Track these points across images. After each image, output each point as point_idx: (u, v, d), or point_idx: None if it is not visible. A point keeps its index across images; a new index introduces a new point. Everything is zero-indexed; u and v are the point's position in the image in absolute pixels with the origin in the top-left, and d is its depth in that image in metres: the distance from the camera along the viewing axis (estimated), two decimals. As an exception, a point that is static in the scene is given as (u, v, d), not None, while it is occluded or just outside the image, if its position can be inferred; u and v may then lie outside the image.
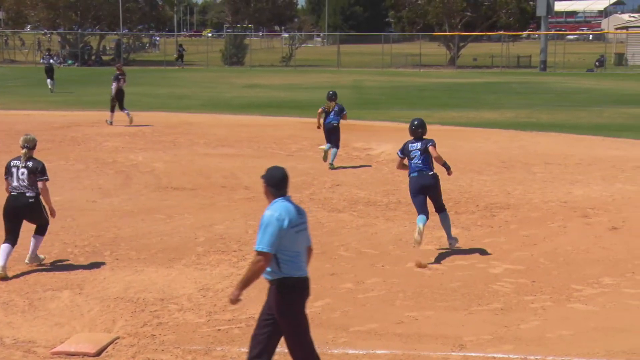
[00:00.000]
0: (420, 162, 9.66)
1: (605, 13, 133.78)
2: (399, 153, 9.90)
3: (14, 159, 8.67)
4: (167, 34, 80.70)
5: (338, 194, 13.11)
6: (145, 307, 7.50)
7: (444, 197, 10.56)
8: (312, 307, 7.54)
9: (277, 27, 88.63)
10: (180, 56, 57.71)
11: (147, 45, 75.31)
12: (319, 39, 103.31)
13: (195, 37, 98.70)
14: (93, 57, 63.26)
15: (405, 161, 9.79)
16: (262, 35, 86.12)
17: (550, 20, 69.44)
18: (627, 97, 33.40)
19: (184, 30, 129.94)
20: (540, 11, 57.77)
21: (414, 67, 60.54)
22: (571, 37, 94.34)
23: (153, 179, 14.42)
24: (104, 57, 65.90)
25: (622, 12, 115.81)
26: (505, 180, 14.31)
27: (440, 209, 9.68)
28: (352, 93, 35.93)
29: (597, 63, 56.58)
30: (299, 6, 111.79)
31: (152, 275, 8.51)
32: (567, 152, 17.58)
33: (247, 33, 72.22)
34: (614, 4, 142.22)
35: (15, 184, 8.51)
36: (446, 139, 19.93)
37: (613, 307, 7.57)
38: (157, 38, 77.34)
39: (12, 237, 8.53)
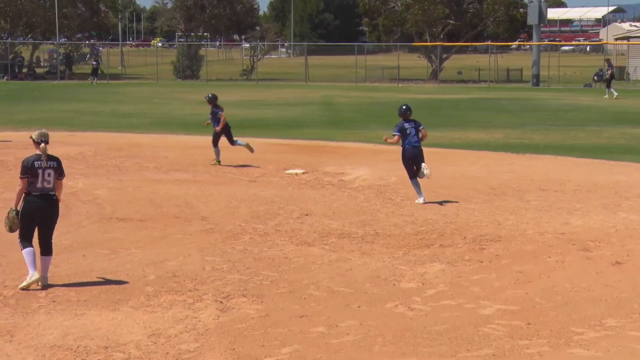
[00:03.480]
0: (415, 137, 14.86)
1: (603, 22, 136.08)
2: (397, 132, 14.85)
3: (34, 159, 9.34)
4: (111, 44, 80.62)
5: (307, 225, 13.14)
6: (86, 357, 7.43)
7: (427, 227, 12.24)
8: (279, 355, 7.51)
9: (236, 36, 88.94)
10: (94, 70, 57.15)
11: (88, 56, 75.08)
12: (284, 50, 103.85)
13: (143, 47, 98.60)
14: (25, 70, 62.83)
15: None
16: (220, 45, 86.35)
17: (543, 29, 70.62)
18: (630, 115, 33.88)
19: (130, 39, 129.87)
20: (532, 19, 58.51)
21: (391, 81, 61.08)
22: (566, 48, 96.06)
23: (95, 208, 14.39)
24: (38, 70, 65.52)
25: (622, 21, 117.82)
26: (496, 209, 14.44)
27: (420, 167, 14.76)
28: (322, 110, 36.12)
29: (595, 77, 57.14)
30: (261, 12, 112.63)
31: (94, 320, 8.47)
32: (563, 177, 17.76)
33: (203, 43, 72.38)
34: (613, 11, 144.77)
35: (39, 185, 9.24)
36: (428, 162, 20.03)
37: (617, 352, 7.59)
38: (100, 48, 77.13)
39: (31, 240, 9.33)
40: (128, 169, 19.00)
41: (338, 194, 16.09)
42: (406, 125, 14.87)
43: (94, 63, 58.52)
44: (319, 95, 44.84)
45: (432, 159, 20.53)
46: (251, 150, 19.71)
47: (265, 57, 71.11)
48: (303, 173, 18.33)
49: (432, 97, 45.67)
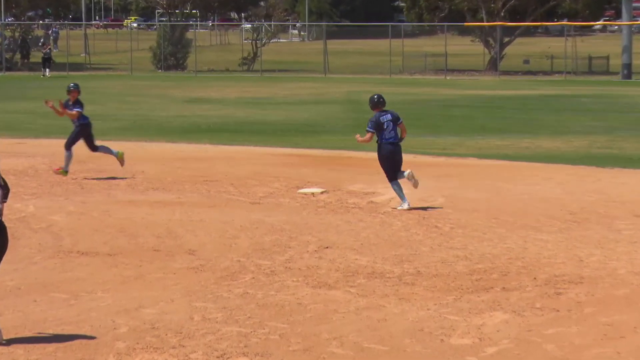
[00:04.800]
0: (392, 132, 16.40)
1: None
2: (370, 128, 16.36)
3: None
4: (72, 25, 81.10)
5: (327, 261, 13.09)
6: None
7: (485, 264, 12.25)
8: None
9: (234, 15, 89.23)
10: (46, 61, 57.27)
11: (42, 40, 75.62)
12: (296, 32, 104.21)
13: (114, 29, 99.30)
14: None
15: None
16: (213, 26, 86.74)
17: (635, 5, 70.28)
18: None
19: (97, 18, 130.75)
20: (621, -9, 58.43)
21: (436, 72, 61.17)
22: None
23: (50, 239, 14.39)
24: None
25: None
26: (576, 241, 14.35)
27: (400, 172, 16.55)
28: (346, 111, 36.08)
29: None
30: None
31: (48, 386, 8.37)
32: (665, 198, 17.74)
33: (191, 23, 72.78)
34: None
35: None
36: (484, 179, 20.02)
37: None
38: (56, 30, 77.68)
39: None
40: (93, 187, 18.98)
41: (367, 220, 16.03)
42: (382, 118, 16.38)
43: (45, 52, 58.75)
44: (341, 92, 44.89)
45: (490, 175, 20.50)
46: (122, 162, 20.28)
47: (272, 41, 71.45)
48: (321, 193, 18.33)
49: (491, 93, 45.64)
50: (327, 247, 13.96)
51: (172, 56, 64.76)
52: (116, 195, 18.11)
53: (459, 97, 43.38)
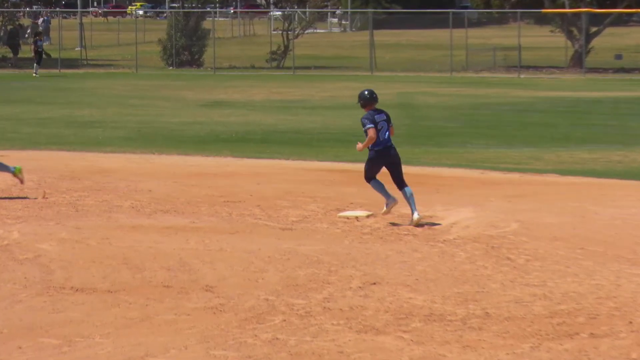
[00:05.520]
0: (387, 134, 17.24)
1: None
2: (370, 124, 17.07)
3: None
4: (65, 12, 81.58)
5: (375, 300, 13.05)
6: None
7: (568, 305, 12.28)
8: None
9: (260, 0, 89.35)
10: (38, 55, 57.21)
11: (28, 31, 76.16)
12: (336, 21, 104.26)
13: (115, 17, 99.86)
14: None
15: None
16: (235, 13, 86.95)
17: None
18: None
19: (95, 4, 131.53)
20: None
21: (508, 70, 61.04)
22: None
23: (38, 272, 14.35)
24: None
25: None
26: (681, 277, 14.21)
27: (404, 183, 17.52)
28: (397, 117, 35.73)
29: None
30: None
31: None
32: None
33: (208, 10, 72.99)
34: None
35: None
36: (567, 200, 19.91)
37: None
38: (47, 18, 78.20)
39: None
40: (90, 209, 18.93)
41: (424, 250, 15.98)
42: (377, 117, 17.24)
43: (39, 43, 59.01)
44: (391, 93, 44.62)
45: (576, 195, 20.39)
46: (22, 180, 20.28)
47: (307, 32, 71.45)
48: (367, 216, 18.25)
49: (575, 95, 45.40)
50: (374, 283, 13.89)
51: (186, 50, 64.86)
52: (118, 219, 18.04)
53: (536, 100, 43.14)
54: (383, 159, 17.41)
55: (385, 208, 17.59)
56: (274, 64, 64.55)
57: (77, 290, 13.51)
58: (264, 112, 37.80)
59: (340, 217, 18.31)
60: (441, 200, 19.75)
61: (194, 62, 64.66)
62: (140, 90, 46.44)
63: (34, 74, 55.48)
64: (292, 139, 30.00)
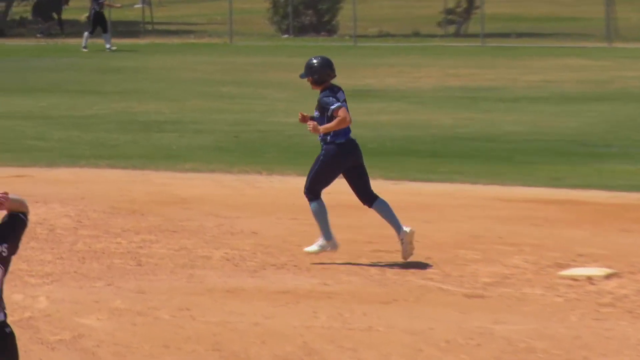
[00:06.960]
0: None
1: None
2: (337, 102, 14.96)
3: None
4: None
5: None
6: None
7: None
8: None
9: None
10: (98, 19, 47.61)
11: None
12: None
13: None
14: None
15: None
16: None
17: None
18: None
19: None
20: None
21: None
22: None
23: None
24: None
25: None
26: None
27: (374, 195, 15.35)
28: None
29: None
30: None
31: None
32: None
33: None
34: None
35: None
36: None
37: None
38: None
39: None
40: (160, 262, 15.84)
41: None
42: (339, 95, 15.31)
43: (95, 6, 49.65)
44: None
45: None
46: None
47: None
48: (607, 276, 15.46)
49: None
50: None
51: (310, 9, 58.27)
52: (204, 279, 14.98)
53: None
54: (348, 157, 15.20)
55: (315, 247, 15.34)
56: (451, 29, 58.41)
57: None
58: (436, 107, 33.09)
59: (561, 276, 15.52)
60: None
61: (323, 26, 58.32)
62: (237, 72, 41.68)
63: (82, 48, 47.72)
64: (481, 150, 25.64)
